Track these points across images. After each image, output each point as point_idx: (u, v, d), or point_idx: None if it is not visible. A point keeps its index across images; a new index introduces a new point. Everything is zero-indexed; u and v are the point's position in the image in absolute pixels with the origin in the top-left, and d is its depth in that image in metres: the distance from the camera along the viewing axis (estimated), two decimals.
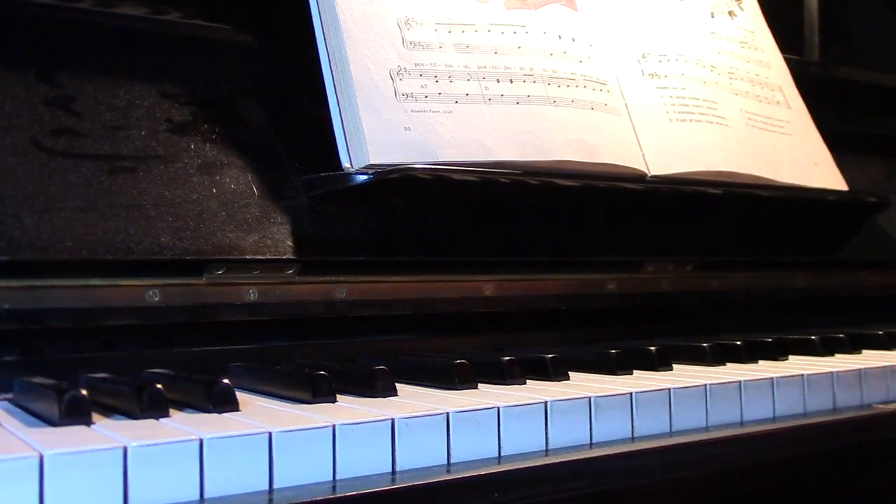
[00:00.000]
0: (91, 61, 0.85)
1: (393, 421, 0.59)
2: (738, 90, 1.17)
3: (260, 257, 0.83)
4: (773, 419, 0.78)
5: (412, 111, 0.89)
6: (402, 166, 0.86)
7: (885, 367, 0.89)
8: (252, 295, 0.85)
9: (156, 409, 0.60)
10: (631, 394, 0.70)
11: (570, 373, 0.79)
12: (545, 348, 0.89)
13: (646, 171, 1.02)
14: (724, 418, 0.76)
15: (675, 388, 0.72)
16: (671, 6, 1.16)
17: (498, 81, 0.95)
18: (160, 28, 0.92)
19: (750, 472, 0.74)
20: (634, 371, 0.82)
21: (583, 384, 0.75)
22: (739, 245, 1.17)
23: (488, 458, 0.62)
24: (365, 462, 0.58)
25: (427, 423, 0.60)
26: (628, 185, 1.01)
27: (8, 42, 0.82)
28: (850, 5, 1.66)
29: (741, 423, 0.76)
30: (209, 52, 0.93)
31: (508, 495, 0.59)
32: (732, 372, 0.83)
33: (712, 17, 1.19)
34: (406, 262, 0.93)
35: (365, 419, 0.58)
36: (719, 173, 1.08)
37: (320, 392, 0.66)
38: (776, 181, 1.13)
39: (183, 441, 0.53)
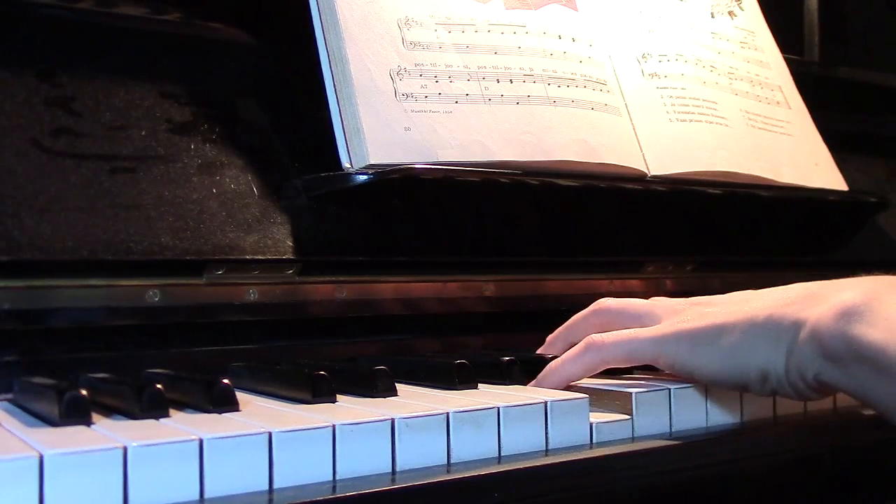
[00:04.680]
0: (91, 61, 0.85)
1: (393, 421, 0.59)
2: (738, 90, 1.17)
3: (260, 257, 0.83)
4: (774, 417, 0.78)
5: (412, 111, 0.89)
6: (402, 166, 0.86)
7: None
8: (252, 295, 0.85)
9: (156, 409, 0.60)
10: (632, 394, 0.70)
11: None
12: None
13: (646, 171, 1.02)
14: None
15: (673, 389, 0.72)
16: (671, 6, 1.16)
17: (498, 81, 0.95)
18: (160, 28, 0.92)
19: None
20: (635, 371, 0.82)
21: (583, 385, 0.75)
22: (739, 245, 1.17)
23: (488, 458, 0.62)
24: (365, 462, 0.58)
25: (427, 423, 0.60)
26: (628, 185, 1.01)
27: (8, 42, 0.82)
28: (850, 5, 1.66)
29: (740, 423, 0.76)
30: (209, 52, 0.93)
31: (508, 495, 0.59)
32: None
33: (712, 17, 1.19)
34: (406, 263, 0.93)
35: (365, 419, 0.58)
36: (719, 173, 1.08)
37: (320, 392, 0.66)
38: (776, 181, 1.13)
39: (183, 441, 0.53)
